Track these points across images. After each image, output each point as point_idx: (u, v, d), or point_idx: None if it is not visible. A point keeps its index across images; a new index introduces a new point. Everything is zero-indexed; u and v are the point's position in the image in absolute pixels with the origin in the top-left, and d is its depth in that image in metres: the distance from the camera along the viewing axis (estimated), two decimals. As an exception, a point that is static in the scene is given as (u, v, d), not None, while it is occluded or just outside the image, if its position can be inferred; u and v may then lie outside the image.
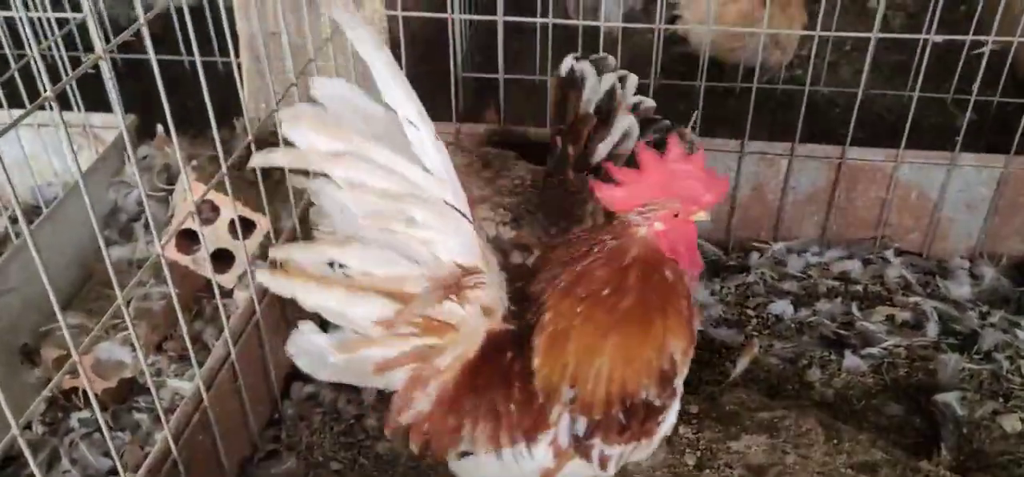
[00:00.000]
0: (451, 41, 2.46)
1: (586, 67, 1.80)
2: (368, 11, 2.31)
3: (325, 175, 1.22)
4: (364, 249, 1.22)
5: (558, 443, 1.29)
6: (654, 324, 1.25)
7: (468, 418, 1.29)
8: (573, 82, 1.81)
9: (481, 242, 1.24)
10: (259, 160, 1.23)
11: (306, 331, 1.35)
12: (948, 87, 2.73)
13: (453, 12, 2.42)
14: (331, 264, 1.25)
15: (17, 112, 2.22)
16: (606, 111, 1.79)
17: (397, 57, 2.29)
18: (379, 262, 1.22)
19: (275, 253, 1.25)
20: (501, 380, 1.29)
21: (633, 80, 1.82)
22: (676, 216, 1.23)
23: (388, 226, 1.20)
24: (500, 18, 2.24)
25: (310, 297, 1.24)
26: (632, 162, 1.67)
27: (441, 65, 2.47)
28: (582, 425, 1.27)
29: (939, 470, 1.62)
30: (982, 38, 2.22)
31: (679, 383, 1.32)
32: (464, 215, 1.20)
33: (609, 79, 1.79)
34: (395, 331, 1.24)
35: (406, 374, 1.30)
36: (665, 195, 1.22)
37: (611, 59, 1.84)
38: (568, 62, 1.82)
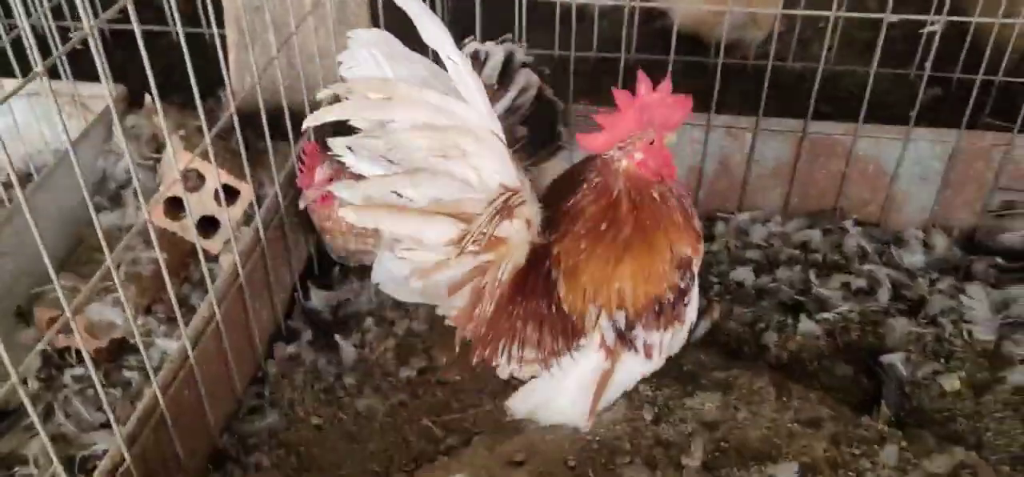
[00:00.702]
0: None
1: (491, 46, 1.97)
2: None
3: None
4: (431, 178, 1.37)
5: (606, 343, 1.47)
6: (658, 241, 1.43)
7: (519, 321, 1.47)
8: (476, 61, 1.96)
9: (515, 164, 1.40)
10: (312, 120, 1.37)
11: (388, 260, 1.56)
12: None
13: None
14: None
15: (7, 82, 2.28)
16: (504, 77, 1.96)
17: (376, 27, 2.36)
18: (441, 188, 1.38)
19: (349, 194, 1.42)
20: (543, 287, 1.47)
21: (524, 46, 2.01)
22: (651, 143, 1.38)
23: (446, 155, 1.35)
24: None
25: (391, 224, 1.40)
26: (537, 111, 1.94)
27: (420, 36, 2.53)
28: (622, 318, 1.45)
29: (878, 425, 1.73)
30: (936, 18, 2.30)
31: (696, 266, 1.50)
32: (503, 141, 1.35)
33: (509, 46, 1.97)
34: (464, 250, 1.40)
35: (471, 290, 1.47)
36: (641, 127, 1.37)
37: (509, 35, 2.02)
38: (471, 45, 1.97)
